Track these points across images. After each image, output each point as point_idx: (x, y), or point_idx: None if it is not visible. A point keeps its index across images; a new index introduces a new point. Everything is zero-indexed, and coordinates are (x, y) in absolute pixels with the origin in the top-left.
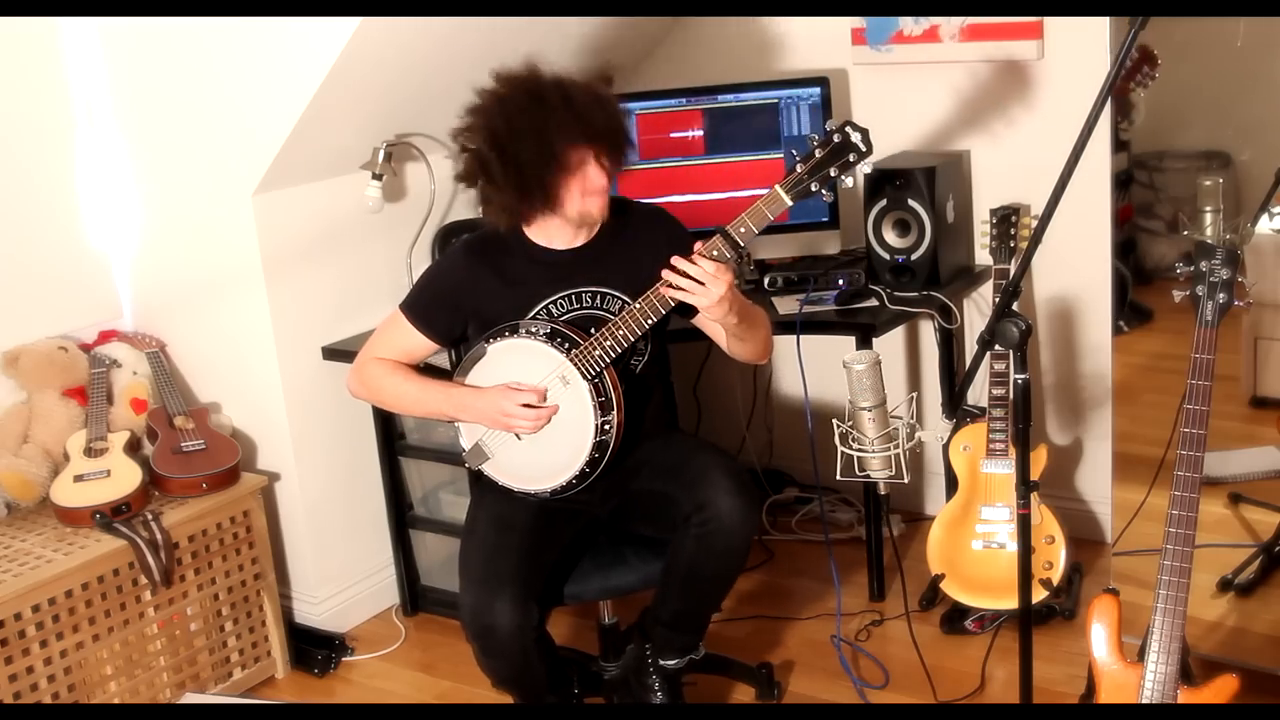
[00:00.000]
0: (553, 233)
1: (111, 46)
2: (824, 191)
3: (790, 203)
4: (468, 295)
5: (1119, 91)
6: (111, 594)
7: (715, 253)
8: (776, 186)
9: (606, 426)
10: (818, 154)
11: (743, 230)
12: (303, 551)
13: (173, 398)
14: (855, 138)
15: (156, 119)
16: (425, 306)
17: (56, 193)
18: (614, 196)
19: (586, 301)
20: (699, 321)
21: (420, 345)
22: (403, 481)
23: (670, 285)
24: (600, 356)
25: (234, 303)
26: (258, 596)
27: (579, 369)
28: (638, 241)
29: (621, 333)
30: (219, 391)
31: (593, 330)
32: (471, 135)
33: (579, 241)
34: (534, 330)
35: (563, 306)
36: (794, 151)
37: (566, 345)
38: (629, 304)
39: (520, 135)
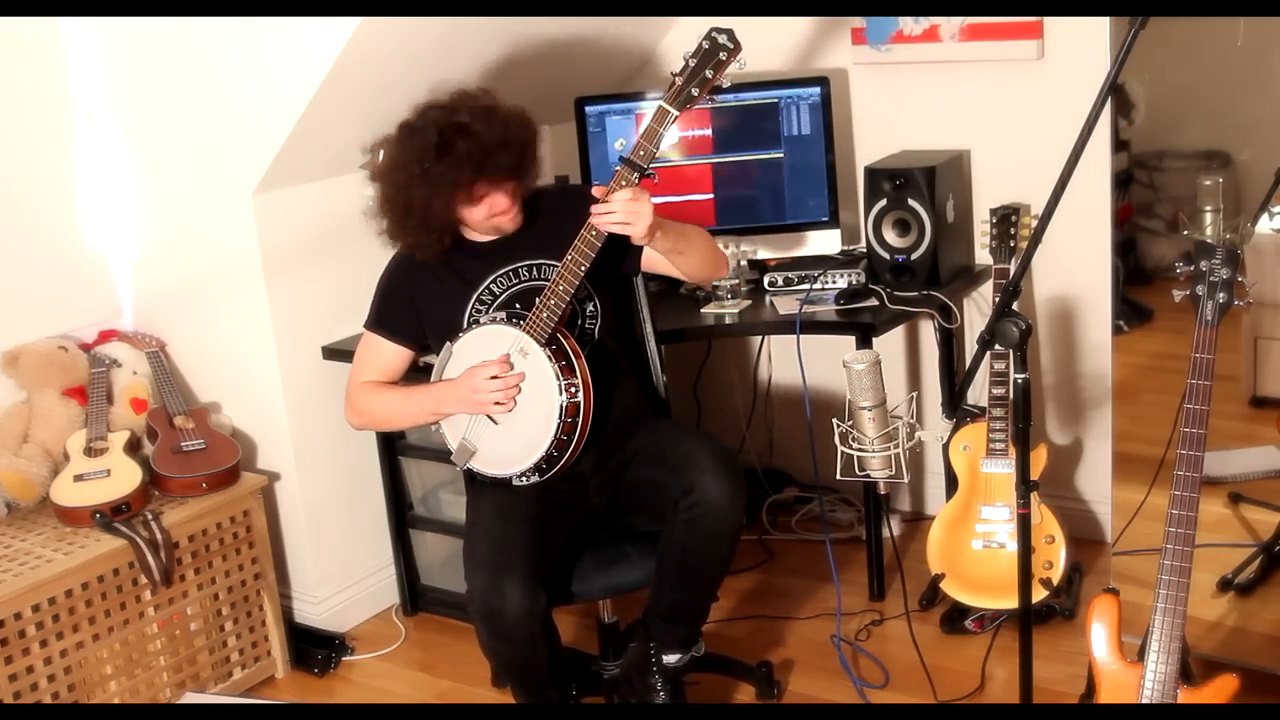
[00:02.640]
0: (474, 232)
1: (111, 46)
2: (710, 97)
3: (676, 112)
4: (419, 291)
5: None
6: (111, 594)
7: (624, 181)
8: (661, 101)
9: (572, 389)
10: (691, 63)
11: (641, 153)
12: (303, 551)
13: (173, 397)
14: (721, 39)
15: (156, 119)
16: (385, 314)
17: (56, 193)
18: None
19: (524, 275)
20: (645, 264)
21: (394, 356)
22: (403, 481)
23: (594, 230)
24: (548, 318)
25: (234, 303)
26: (258, 596)
27: (533, 337)
28: (555, 217)
29: (561, 288)
30: (219, 391)
31: (537, 300)
32: (380, 206)
33: (503, 234)
34: (490, 319)
35: (502, 285)
36: (673, 71)
37: (516, 320)
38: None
39: (414, 184)
